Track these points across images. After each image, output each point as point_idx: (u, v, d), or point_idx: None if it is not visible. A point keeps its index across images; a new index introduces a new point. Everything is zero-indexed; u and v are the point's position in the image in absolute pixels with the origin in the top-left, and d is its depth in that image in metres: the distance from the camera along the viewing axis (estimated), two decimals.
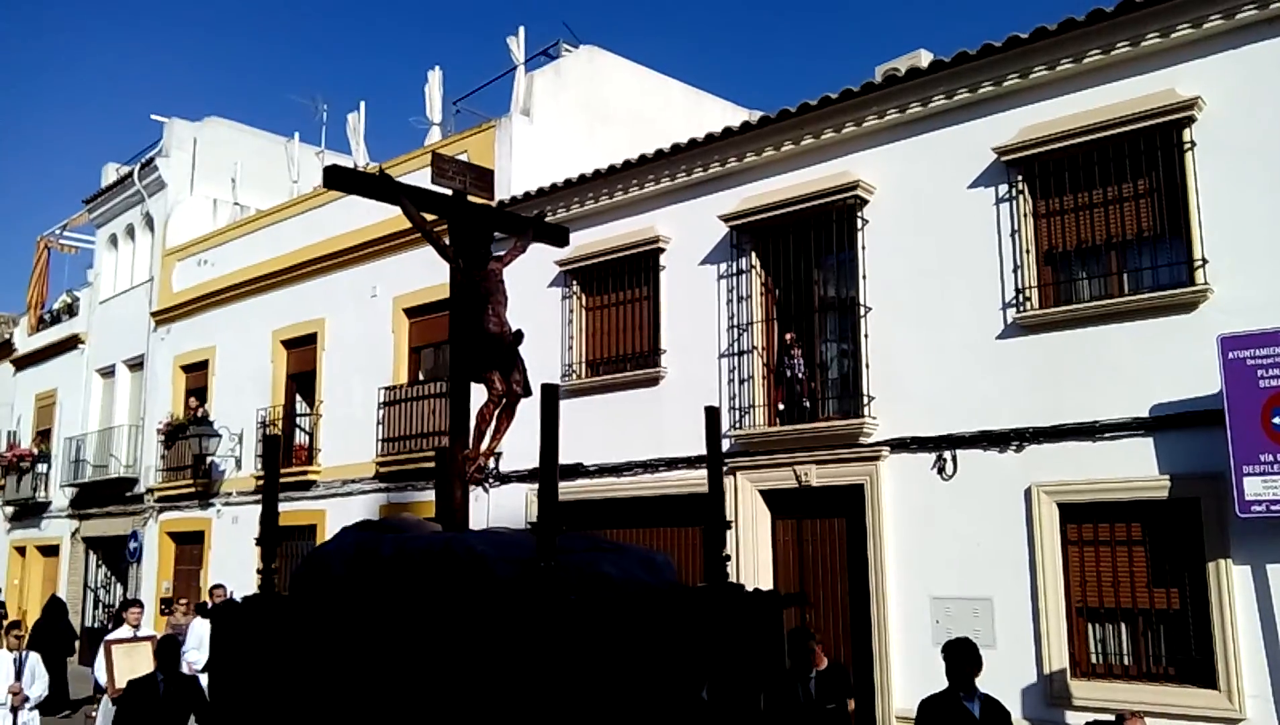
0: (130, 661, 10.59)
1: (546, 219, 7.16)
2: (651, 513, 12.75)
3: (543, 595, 3.58)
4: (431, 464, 13.36)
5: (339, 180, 5.23)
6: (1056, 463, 9.67)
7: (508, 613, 3.72)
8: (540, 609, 3.58)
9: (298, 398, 18.35)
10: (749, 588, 11.04)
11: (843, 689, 8.29)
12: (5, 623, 12.15)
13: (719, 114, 17.80)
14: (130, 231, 24.00)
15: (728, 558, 4.32)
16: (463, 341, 5.18)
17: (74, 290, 26.52)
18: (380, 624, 4.22)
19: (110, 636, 11.29)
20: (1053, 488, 9.68)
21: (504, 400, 5.09)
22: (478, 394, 5.11)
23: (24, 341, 27.42)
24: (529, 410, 4.43)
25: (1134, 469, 9.25)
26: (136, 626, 11.44)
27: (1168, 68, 9.48)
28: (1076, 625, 9.57)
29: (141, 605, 12.43)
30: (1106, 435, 9.43)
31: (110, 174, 25.28)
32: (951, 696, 6.74)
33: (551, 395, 3.74)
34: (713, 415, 4.44)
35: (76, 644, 20.26)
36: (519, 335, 5.06)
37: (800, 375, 11.65)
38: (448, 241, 5.33)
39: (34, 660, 10.62)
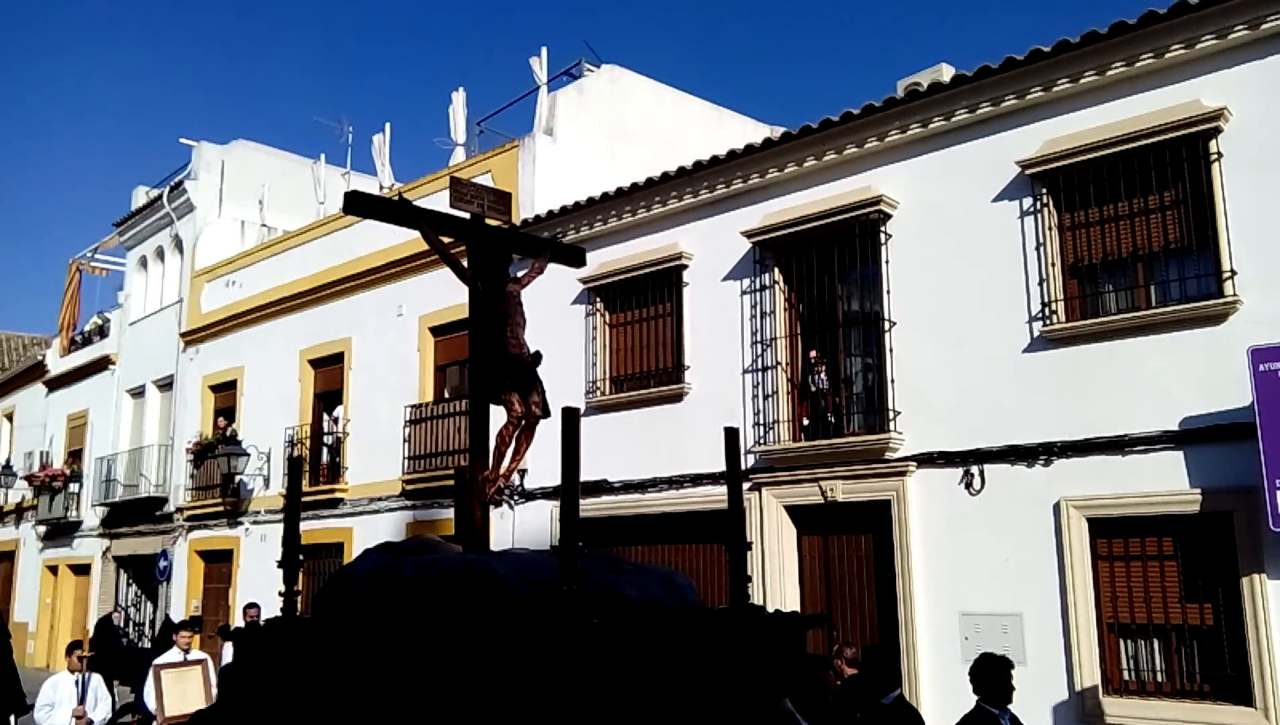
0: (181, 687, 10.19)
1: (566, 238, 7.21)
2: (677, 529, 12.72)
3: (564, 619, 3.57)
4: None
5: (359, 206, 5.26)
6: (1085, 477, 9.56)
7: (529, 636, 3.71)
8: (562, 633, 3.57)
9: (325, 416, 18.47)
10: (774, 606, 10.95)
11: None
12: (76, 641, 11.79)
13: (740, 130, 17.83)
14: (160, 253, 24.29)
15: (749, 579, 4.29)
16: (482, 363, 5.19)
17: (105, 312, 26.87)
18: (402, 647, 4.22)
19: (159, 660, 10.90)
20: (1082, 502, 9.57)
21: (523, 422, 5.09)
22: (497, 415, 5.12)
23: (56, 363, 27.77)
24: (552, 428, 4.43)
25: (1164, 483, 9.13)
26: (186, 650, 10.97)
27: (1192, 79, 9.39)
28: (1108, 641, 9.44)
29: (191, 627, 11.76)
30: (1136, 449, 9.32)
31: (140, 197, 25.63)
32: (988, 715, 6.59)
33: (572, 419, 3.73)
34: (732, 437, 4.41)
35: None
36: (537, 356, 5.06)
37: (824, 390, 11.60)
38: (466, 264, 5.35)
39: (96, 681, 10.31)
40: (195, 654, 11.03)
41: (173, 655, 11.00)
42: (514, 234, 6.04)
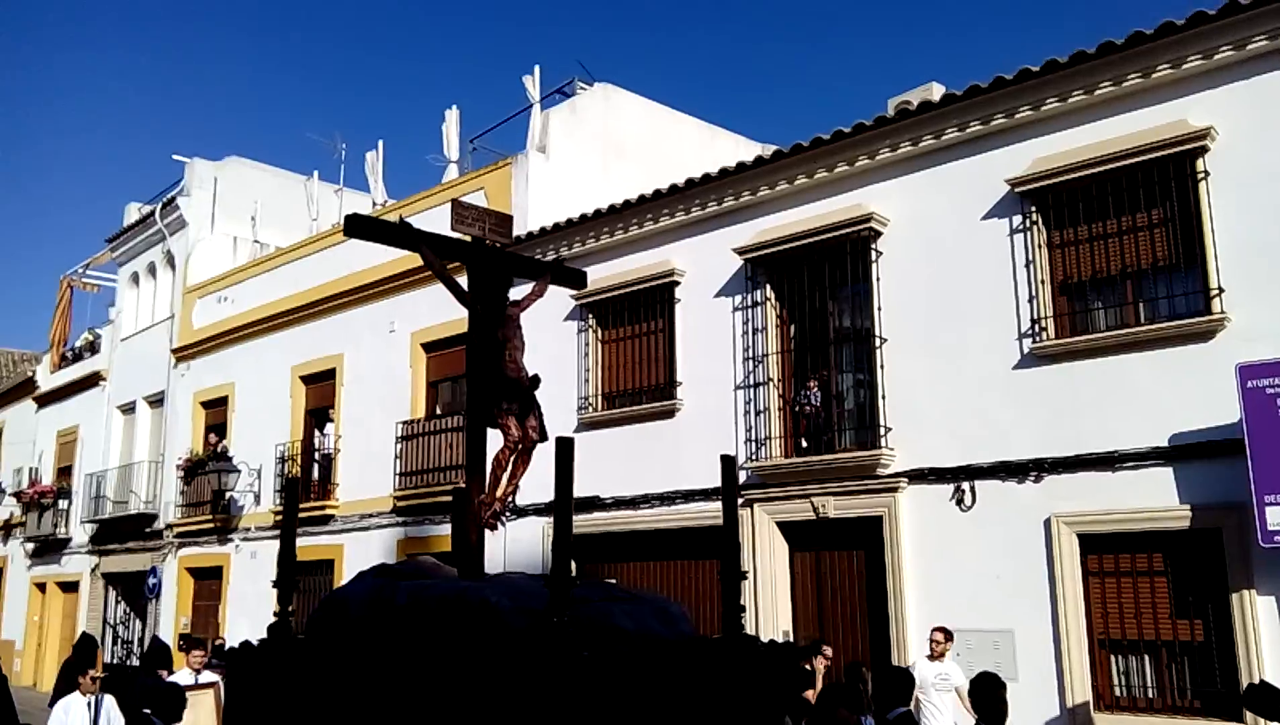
0: (192, 713, 9.62)
1: (558, 255, 7.23)
2: (669, 545, 12.72)
3: (555, 650, 3.56)
4: (449, 498, 13.39)
5: (359, 229, 5.24)
6: (1076, 493, 9.61)
7: (521, 666, 3.70)
8: (553, 664, 3.56)
9: (316, 432, 18.43)
10: (767, 618, 10.87)
11: None
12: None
13: (732, 148, 17.91)
14: (152, 270, 24.26)
15: (743, 609, 4.29)
16: (479, 386, 5.20)
17: (96, 328, 26.79)
18: (395, 673, 4.22)
19: (170, 682, 9.71)
20: (1072, 518, 9.62)
21: (519, 446, 5.10)
22: (494, 437, 5.13)
23: (46, 379, 27.66)
24: (547, 445, 4.47)
25: (1154, 499, 9.19)
26: (198, 671, 10.06)
27: (1179, 98, 9.49)
28: (1099, 657, 9.48)
29: (204, 646, 10.84)
30: (1126, 465, 9.38)
31: (132, 213, 25.60)
32: None
33: (566, 449, 3.74)
34: (729, 464, 4.41)
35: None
36: (535, 380, 5.06)
37: (816, 407, 11.64)
38: (466, 286, 5.36)
39: (109, 704, 9.52)
40: (206, 676, 10.19)
41: (183, 677, 10.17)
42: (515, 256, 6.04)
